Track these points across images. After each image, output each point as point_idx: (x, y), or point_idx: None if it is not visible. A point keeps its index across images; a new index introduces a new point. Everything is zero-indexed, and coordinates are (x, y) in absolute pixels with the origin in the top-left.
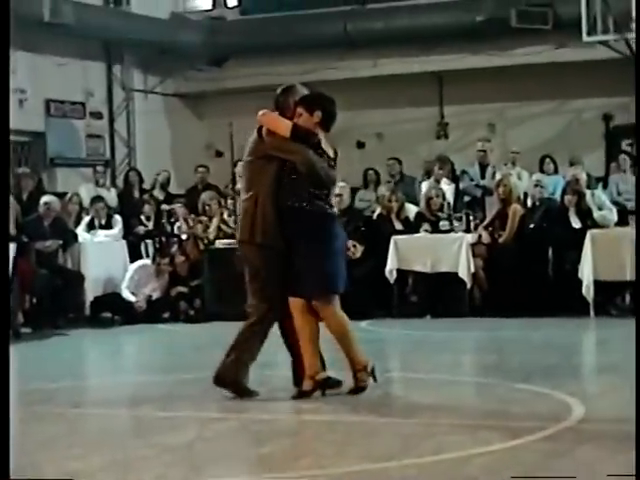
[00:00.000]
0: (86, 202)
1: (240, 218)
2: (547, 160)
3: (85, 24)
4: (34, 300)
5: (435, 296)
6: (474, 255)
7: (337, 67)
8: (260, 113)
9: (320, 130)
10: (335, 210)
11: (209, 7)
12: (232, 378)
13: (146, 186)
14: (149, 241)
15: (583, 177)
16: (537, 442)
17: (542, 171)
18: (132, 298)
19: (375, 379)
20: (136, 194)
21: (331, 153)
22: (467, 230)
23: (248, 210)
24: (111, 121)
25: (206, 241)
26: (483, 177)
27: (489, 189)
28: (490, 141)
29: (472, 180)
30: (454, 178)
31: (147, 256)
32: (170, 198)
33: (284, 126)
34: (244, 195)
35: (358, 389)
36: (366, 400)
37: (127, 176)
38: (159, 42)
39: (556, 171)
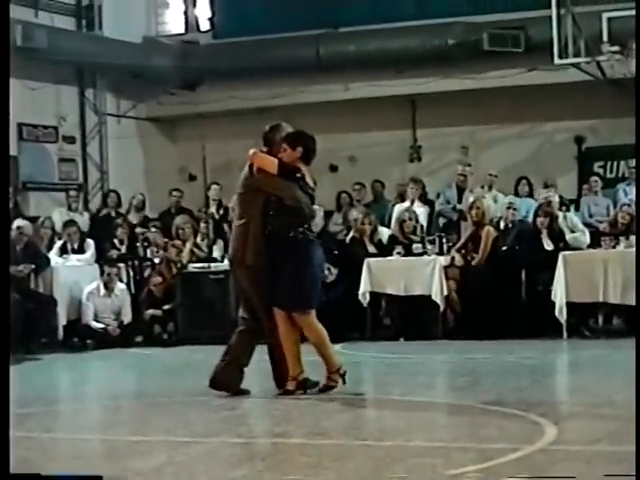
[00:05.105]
0: (58, 226)
1: (232, 240)
2: (523, 182)
3: (57, 48)
4: None
5: (408, 319)
6: (447, 278)
7: (310, 90)
8: (251, 152)
9: (302, 164)
10: (314, 235)
11: (182, 31)
12: (226, 380)
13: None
14: (122, 265)
15: (555, 199)
16: (509, 464)
17: (517, 193)
18: (99, 325)
19: (344, 382)
20: (112, 217)
21: (312, 184)
22: (440, 253)
23: (240, 236)
24: (84, 145)
25: (179, 265)
26: (460, 201)
27: (465, 214)
28: (471, 165)
29: (448, 202)
30: (426, 201)
31: (120, 280)
32: (144, 222)
33: (271, 164)
34: (237, 222)
35: (328, 387)
36: (338, 423)
37: (105, 197)
38: (132, 66)
39: (530, 193)
